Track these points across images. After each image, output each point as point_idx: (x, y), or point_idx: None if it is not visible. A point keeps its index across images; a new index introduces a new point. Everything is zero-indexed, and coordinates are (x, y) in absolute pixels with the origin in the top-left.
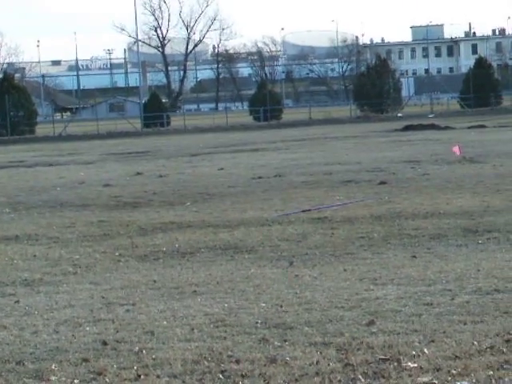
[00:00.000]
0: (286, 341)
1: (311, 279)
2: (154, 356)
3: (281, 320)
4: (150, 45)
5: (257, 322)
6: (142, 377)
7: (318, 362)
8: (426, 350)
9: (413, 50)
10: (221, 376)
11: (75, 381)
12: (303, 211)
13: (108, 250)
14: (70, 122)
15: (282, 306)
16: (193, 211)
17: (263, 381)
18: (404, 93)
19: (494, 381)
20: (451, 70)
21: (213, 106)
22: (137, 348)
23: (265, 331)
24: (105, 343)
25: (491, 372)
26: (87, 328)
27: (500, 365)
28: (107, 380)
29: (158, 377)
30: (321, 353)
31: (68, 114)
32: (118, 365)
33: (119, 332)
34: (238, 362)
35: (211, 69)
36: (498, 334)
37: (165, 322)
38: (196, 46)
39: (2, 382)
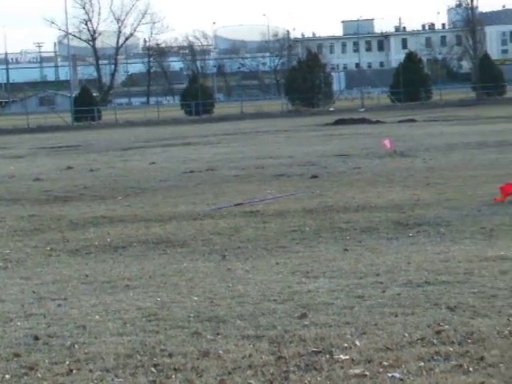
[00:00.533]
0: (218, 334)
1: (243, 273)
2: (86, 350)
3: (213, 313)
4: (80, 38)
5: (189, 316)
6: (74, 371)
7: (250, 355)
8: (357, 342)
9: (344, 45)
10: (153, 370)
11: (6, 376)
12: (235, 205)
13: (39, 245)
14: None
15: (214, 300)
16: (124, 205)
17: (196, 374)
18: (335, 87)
19: (424, 372)
20: (382, 64)
21: (144, 100)
22: (69, 343)
23: (197, 325)
24: (36, 338)
25: (422, 363)
26: (18, 323)
27: (431, 356)
28: (39, 375)
29: (91, 371)
30: (253, 346)
31: None
32: (50, 359)
33: (51, 327)
34: (170, 355)
35: (142, 62)
36: (429, 325)
37: (97, 317)
38: (127, 39)
39: None
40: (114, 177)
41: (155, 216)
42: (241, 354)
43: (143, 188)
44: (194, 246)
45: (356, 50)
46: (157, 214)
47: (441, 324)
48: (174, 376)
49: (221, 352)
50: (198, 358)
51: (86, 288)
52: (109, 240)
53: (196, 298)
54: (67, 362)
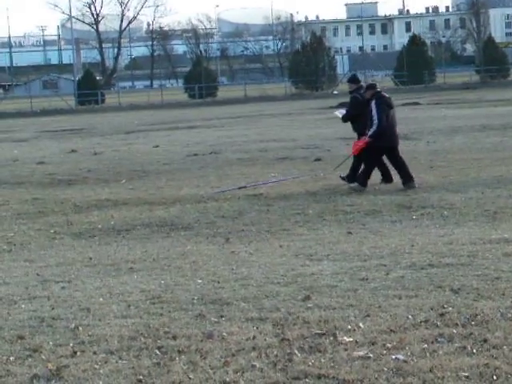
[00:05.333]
0: (222, 316)
1: (247, 255)
2: (90, 333)
3: (217, 296)
4: (83, 21)
5: (193, 299)
6: (79, 353)
7: (254, 337)
8: (361, 325)
9: (347, 28)
10: (158, 352)
11: (11, 358)
12: (239, 188)
13: (43, 228)
14: (2, 100)
15: (218, 282)
16: (128, 188)
17: (200, 356)
18: (338, 70)
19: (428, 354)
20: (385, 47)
21: (147, 83)
22: (73, 325)
23: (201, 307)
24: (41, 320)
25: (426, 345)
26: (22, 305)
27: (434, 338)
28: (43, 357)
29: (95, 353)
30: (257, 328)
31: (0, 91)
32: (54, 342)
33: (55, 309)
34: (174, 338)
35: (146, 46)
36: (433, 308)
37: (101, 299)
38: (130, 22)
39: None
40: (118, 160)
41: (159, 199)
42: (245, 336)
43: (147, 171)
44: (197, 228)
45: (360, 34)
46: (160, 197)
47: (444, 306)
48: (177, 358)
49: (225, 334)
50: (201, 340)
51: (89, 271)
52: (112, 223)
53: (200, 281)
54: (71, 344)
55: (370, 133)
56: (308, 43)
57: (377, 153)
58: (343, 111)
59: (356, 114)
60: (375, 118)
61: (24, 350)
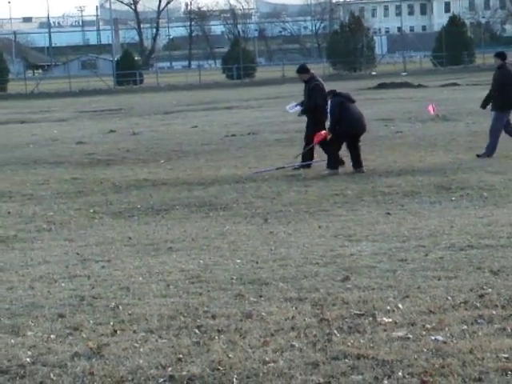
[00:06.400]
0: (261, 296)
1: (286, 236)
2: (130, 312)
3: (256, 276)
4: (122, 2)
5: (232, 278)
6: (119, 332)
7: (293, 317)
8: (400, 306)
9: (386, 8)
10: (197, 331)
11: (52, 336)
12: (277, 169)
13: (82, 207)
14: (42, 80)
15: (257, 263)
16: (167, 169)
17: (239, 336)
18: (377, 51)
19: (467, 335)
20: (424, 28)
21: (185, 63)
22: (113, 304)
23: (240, 287)
24: (81, 299)
25: (465, 326)
26: (62, 284)
27: (474, 319)
28: (84, 335)
29: (135, 332)
30: (296, 308)
31: (40, 71)
32: (95, 320)
33: (95, 288)
34: (213, 317)
35: (184, 26)
36: (472, 289)
37: (140, 278)
38: (168, 3)
39: None
40: (157, 140)
41: (197, 179)
42: (284, 316)
43: (185, 151)
44: (236, 209)
45: (398, 14)
46: (199, 177)
47: (484, 287)
48: (217, 337)
49: (264, 314)
50: (241, 320)
51: (129, 250)
52: (151, 203)
53: (238, 261)
54: (111, 323)
55: (328, 126)
56: (346, 24)
57: (341, 138)
58: (297, 108)
59: (322, 103)
60: (329, 114)
61: (65, 328)
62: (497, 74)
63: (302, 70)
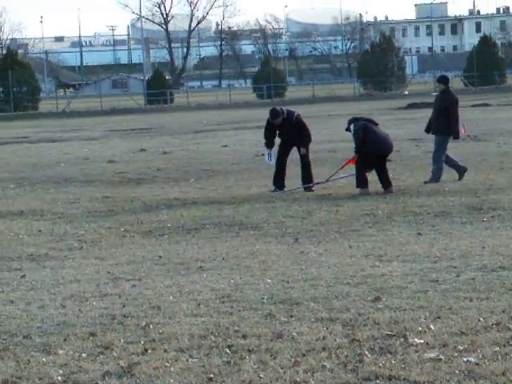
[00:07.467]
0: (292, 316)
1: (316, 255)
2: (160, 331)
3: (287, 296)
4: (153, 21)
5: (263, 298)
6: (150, 351)
7: (324, 338)
8: (432, 326)
9: (416, 28)
10: (228, 351)
11: (83, 354)
12: (306, 187)
13: (113, 226)
14: (73, 99)
15: (287, 282)
16: (197, 188)
17: (270, 356)
18: (408, 71)
19: (500, 357)
20: (455, 48)
21: (216, 83)
22: (144, 323)
23: (271, 307)
24: (112, 318)
25: (497, 348)
26: (94, 303)
27: (506, 341)
28: (114, 354)
29: (166, 351)
30: (327, 328)
31: (71, 90)
32: (125, 339)
33: (126, 307)
34: (244, 337)
35: (214, 46)
36: (504, 310)
37: (171, 297)
38: (199, 22)
39: (10, 355)
40: (187, 159)
41: (228, 198)
42: (315, 336)
43: (216, 170)
44: (266, 228)
45: (429, 34)
46: (229, 196)
47: None
48: (248, 357)
49: (294, 334)
50: (271, 340)
51: (159, 269)
52: (182, 222)
53: (269, 281)
54: (142, 342)
55: (354, 149)
56: (377, 43)
57: (367, 158)
58: (271, 154)
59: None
60: (353, 137)
61: (96, 346)
62: (439, 98)
63: (275, 115)
